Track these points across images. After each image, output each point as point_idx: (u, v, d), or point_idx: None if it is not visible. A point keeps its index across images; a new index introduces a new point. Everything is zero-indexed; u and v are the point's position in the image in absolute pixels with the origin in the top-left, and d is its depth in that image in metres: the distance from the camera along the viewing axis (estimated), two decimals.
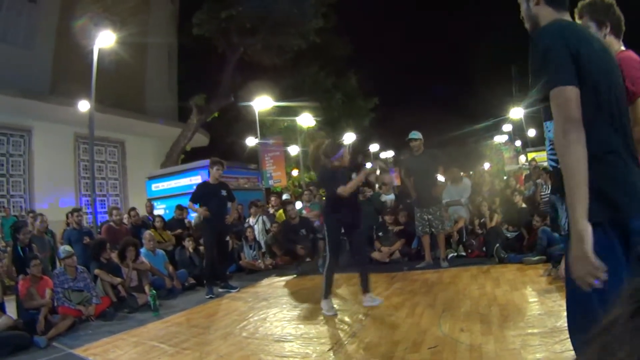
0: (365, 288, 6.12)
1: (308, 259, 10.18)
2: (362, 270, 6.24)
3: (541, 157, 22.26)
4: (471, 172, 24.36)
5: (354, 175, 6.15)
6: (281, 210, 12.11)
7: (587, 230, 1.87)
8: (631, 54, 2.94)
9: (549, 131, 2.28)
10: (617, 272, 1.87)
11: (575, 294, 2.08)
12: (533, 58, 2.17)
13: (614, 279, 1.83)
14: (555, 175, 2.19)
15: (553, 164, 2.23)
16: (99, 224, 12.43)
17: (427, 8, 53.15)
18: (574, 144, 1.92)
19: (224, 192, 8.72)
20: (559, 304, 5.01)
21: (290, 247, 10.23)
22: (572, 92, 1.98)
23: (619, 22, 2.96)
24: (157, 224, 10.71)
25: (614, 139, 2.08)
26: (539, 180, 11.15)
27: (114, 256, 8.44)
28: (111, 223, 10.17)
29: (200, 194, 8.61)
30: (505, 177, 15.90)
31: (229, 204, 9.01)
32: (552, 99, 2.04)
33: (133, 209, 11.47)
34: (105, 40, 13.42)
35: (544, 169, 11.84)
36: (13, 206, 17.15)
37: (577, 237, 1.89)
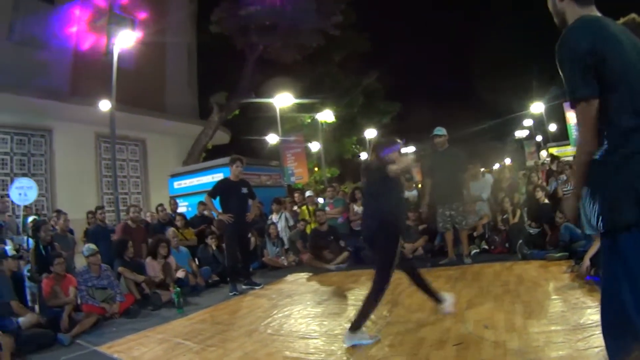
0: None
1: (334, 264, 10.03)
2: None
3: (562, 152, 22.01)
4: (493, 168, 24.10)
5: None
6: (304, 207, 12.07)
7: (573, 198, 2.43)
8: None
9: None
10: None
11: (609, 294, 2.19)
12: (559, 59, 2.28)
13: None
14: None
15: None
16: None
17: (448, 3, 52.84)
18: (583, 155, 2.28)
19: (244, 190, 8.68)
20: (582, 301, 5.01)
21: (318, 253, 10.15)
22: (589, 107, 2.18)
23: None
24: (179, 222, 10.67)
25: None
26: (562, 176, 10.96)
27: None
28: (128, 222, 10.11)
29: (220, 190, 8.59)
30: (523, 172, 15.70)
31: (250, 202, 8.94)
32: (576, 111, 2.24)
33: (160, 205, 11.49)
34: (125, 39, 13.45)
35: (567, 163, 11.65)
36: (35, 205, 17.30)
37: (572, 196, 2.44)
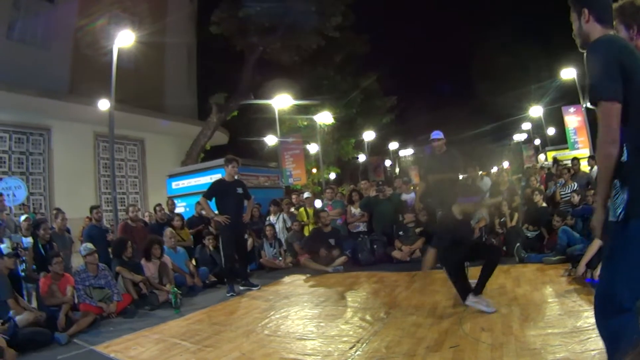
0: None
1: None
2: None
3: (560, 155, 22.01)
4: (492, 171, 24.18)
5: None
6: (302, 208, 12.07)
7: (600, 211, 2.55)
8: None
9: None
10: None
11: (607, 277, 2.55)
12: (588, 67, 2.51)
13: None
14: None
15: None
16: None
17: (447, 6, 52.87)
18: (606, 156, 2.45)
19: (239, 190, 8.65)
20: (579, 304, 5.04)
21: (316, 250, 10.15)
22: (613, 109, 2.38)
23: None
24: (176, 223, 10.65)
25: None
26: (560, 180, 10.97)
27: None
28: (128, 221, 10.13)
29: (215, 191, 8.56)
30: (520, 176, 15.72)
31: (245, 202, 8.93)
32: (598, 110, 2.43)
33: (159, 205, 11.47)
34: (124, 39, 13.46)
35: (566, 167, 11.67)
36: (33, 204, 17.31)
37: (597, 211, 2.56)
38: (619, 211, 2.43)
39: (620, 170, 2.45)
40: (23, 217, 9.78)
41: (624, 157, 2.45)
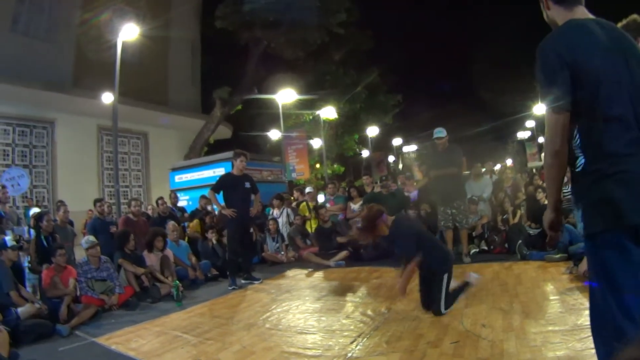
0: None
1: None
2: None
3: None
4: (495, 168, 24.17)
5: None
6: (304, 203, 12.08)
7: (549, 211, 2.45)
8: None
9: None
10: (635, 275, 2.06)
11: (595, 297, 2.26)
12: (536, 68, 2.31)
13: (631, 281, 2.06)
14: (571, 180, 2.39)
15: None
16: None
17: (452, 2, 52.60)
18: (550, 163, 2.29)
19: (247, 184, 8.67)
20: (580, 302, 5.02)
21: (323, 254, 10.16)
22: (559, 119, 2.19)
23: None
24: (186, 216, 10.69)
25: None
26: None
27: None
28: (129, 215, 10.15)
29: (223, 185, 8.58)
30: (519, 175, 15.69)
31: (252, 196, 8.93)
32: (546, 119, 2.25)
33: (161, 198, 11.47)
34: (128, 33, 13.45)
35: None
36: (36, 197, 17.34)
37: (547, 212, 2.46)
38: (580, 227, 2.31)
39: (574, 181, 2.35)
40: (32, 211, 9.78)
41: (579, 167, 2.27)
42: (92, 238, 7.64)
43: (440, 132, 8.80)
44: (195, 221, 11.19)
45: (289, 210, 12.13)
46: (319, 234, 10.56)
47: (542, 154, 2.26)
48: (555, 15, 2.42)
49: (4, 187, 9.22)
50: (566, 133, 2.21)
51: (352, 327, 5.07)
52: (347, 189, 13.06)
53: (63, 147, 18.64)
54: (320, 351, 4.38)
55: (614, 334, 2.07)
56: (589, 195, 2.20)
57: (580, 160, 2.24)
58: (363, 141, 34.77)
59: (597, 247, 2.18)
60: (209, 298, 7.57)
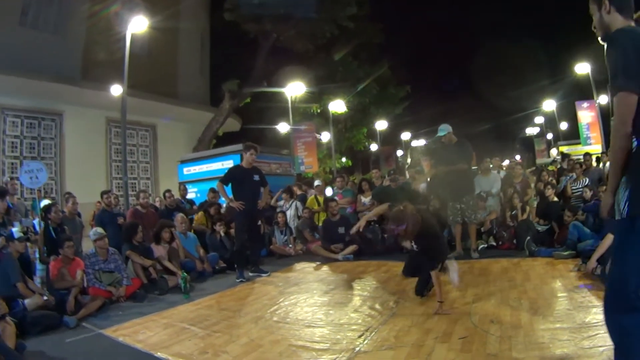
0: None
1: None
2: None
3: (572, 150, 21.81)
4: (504, 164, 24.10)
5: None
6: (312, 197, 12.05)
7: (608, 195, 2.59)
8: None
9: None
10: None
11: (617, 274, 2.49)
12: (608, 56, 2.54)
13: None
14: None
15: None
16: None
17: None
18: (619, 145, 2.46)
19: (256, 177, 8.66)
20: (588, 300, 5.03)
21: (327, 247, 10.13)
22: (629, 100, 2.40)
23: None
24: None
25: None
26: (572, 174, 10.86)
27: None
28: (137, 207, 10.16)
29: (232, 177, 8.56)
30: (528, 171, 15.65)
31: (261, 189, 8.91)
32: (615, 100, 2.44)
33: (168, 190, 11.52)
34: (137, 25, 13.43)
35: (577, 162, 11.58)
36: (44, 189, 17.37)
37: (607, 196, 2.60)
38: (623, 207, 2.44)
39: (627, 164, 2.47)
40: (43, 202, 9.81)
41: (634, 149, 2.47)
42: (99, 230, 7.65)
43: (442, 131, 8.76)
44: (200, 213, 11.23)
45: (299, 203, 12.10)
46: (327, 227, 10.50)
47: (611, 136, 2.40)
48: (612, 20, 2.71)
49: (12, 179, 9.25)
50: (632, 114, 2.41)
51: (360, 321, 5.07)
52: (359, 182, 13.02)
53: (71, 139, 18.67)
54: (328, 345, 4.38)
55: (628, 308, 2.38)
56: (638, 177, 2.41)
57: (635, 143, 2.45)
58: (372, 135, 34.72)
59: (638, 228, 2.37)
60: (217, 290, 7.55)
